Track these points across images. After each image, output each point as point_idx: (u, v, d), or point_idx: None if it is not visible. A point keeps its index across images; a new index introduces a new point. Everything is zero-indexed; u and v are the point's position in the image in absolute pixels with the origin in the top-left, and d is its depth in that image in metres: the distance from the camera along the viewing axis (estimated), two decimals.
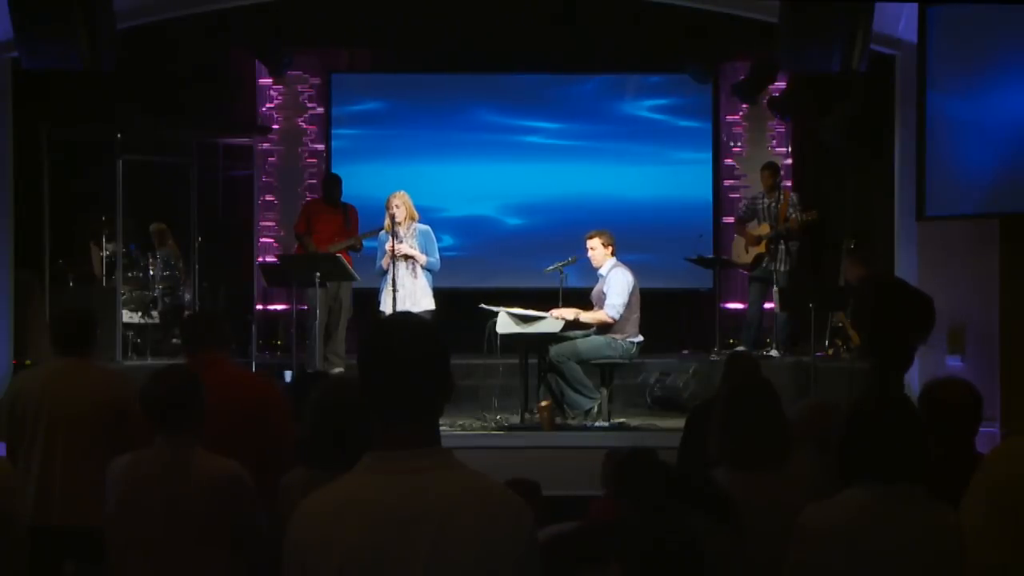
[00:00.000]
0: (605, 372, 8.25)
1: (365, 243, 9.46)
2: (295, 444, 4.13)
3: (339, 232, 9.48)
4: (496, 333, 8.29)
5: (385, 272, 8.61)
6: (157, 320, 10.30)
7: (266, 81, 11.69)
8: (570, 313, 8.25)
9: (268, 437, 4.06)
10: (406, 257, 8.52)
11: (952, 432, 3.64)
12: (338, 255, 8.91)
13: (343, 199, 9.76)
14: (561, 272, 8.62)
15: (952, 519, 2.96)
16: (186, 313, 10.00)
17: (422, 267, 8.60)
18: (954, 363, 7.72)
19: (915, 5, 7.49)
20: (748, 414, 3.58)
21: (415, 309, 8.27)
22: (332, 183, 9.86)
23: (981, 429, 3.82)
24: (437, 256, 8.67)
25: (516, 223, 11.56)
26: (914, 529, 2.89)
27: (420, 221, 8.75)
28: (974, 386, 3.78)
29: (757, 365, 5.56)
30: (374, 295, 8.89)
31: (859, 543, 2.87)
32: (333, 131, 11.68)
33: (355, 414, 3.20)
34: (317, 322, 9.09)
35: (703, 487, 3.23)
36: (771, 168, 10.37)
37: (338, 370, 9.10)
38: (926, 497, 2.94)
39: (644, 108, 11.60)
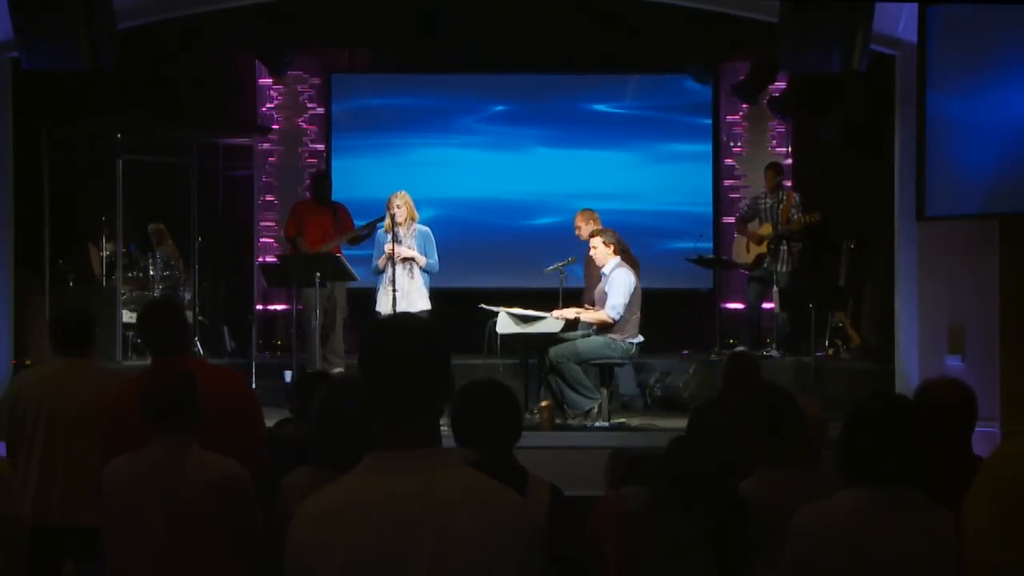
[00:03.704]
0: (605, 372, 8.25)
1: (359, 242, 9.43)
2: (267, 442, 4.14)
3: (329, 232, 9.45)
4: (496, 333, 8.30)
5: (381, 272, 8.60)
6: None
7: (266, 81, 11.68)
8: (571, 313, 8.26)
9: (245, 435, 4.04)
10: (405, 259, 8.51)
11: (947, 432, 3.64)
12: (339, 255, 8.90)
13: (336, 199, 9.73)
14: (561, 272, 8.62)
15: (949, 524, 2.95)
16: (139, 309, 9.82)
17: (421, 268, 8.59)
18: (954, 363, 7.72)
19: (915, 5, 7.48)
20: (772, 414, 3.65)
21: (411, 310, 8.26)
22: (321, 180, 9.84)
23: (981, 429, 3.82)
24: (436, 258, 8.65)
25: (516, 223, 11.54)
26: (909, 532, 2.88)
27: (420, 221, 8.75)
28: (968, 385, 3.78)
29: (758, 365, 5.56)
30: (369, 295, 8.88)
31: (853, 544, 2.87)
32: (333, 131, 11.68)
33: (358, 414, 3.19)
34: (317, 322, 9.08)
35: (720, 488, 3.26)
36: (775, 168, 10.38)
37: (338, 370, 9.08)
38: (923, 501, 2.93)
39: (644, 108, 11.60)
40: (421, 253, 8.59)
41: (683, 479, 3.27)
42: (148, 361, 4.26)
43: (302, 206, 9.90)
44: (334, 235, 9.40)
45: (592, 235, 8.39)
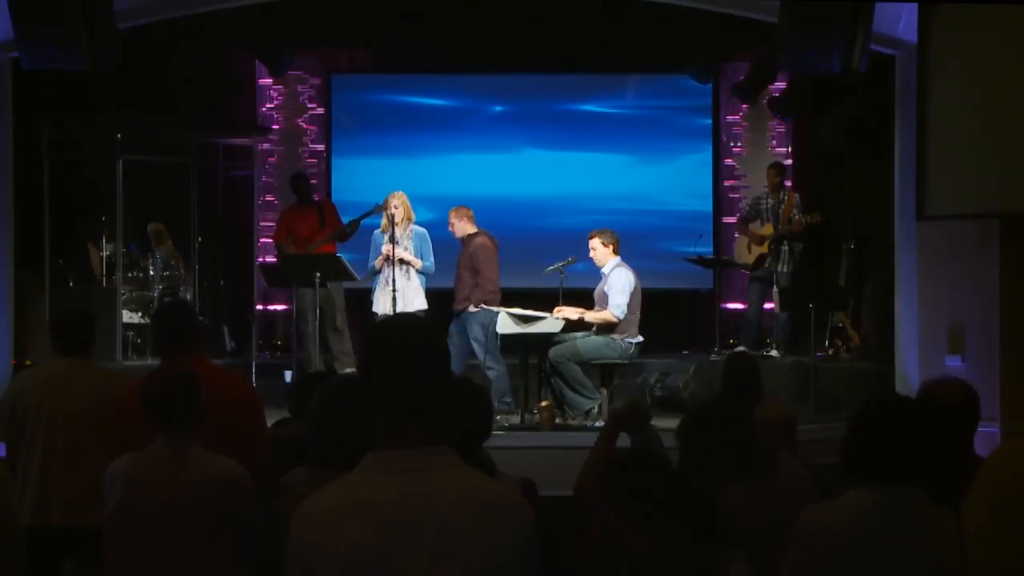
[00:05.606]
0: (605, 372, 8.25)
1: (359, 242, 9.39)
2: (268, 443, 4.14)
3: (316, 231, 9.44)
4: (496, 333, 8.30)
5: (378, 272, 8.60)
6: None
7: (266, 81, 11.69)
8: (574, 313, 8.26)
9: (248, 435, 4.04)
10: (401, 261, 8.50)
11: (949, 432, 3.64)
12: (340, 256, 8.89)
13: (336, 199, 9.72)
14: (561, 272, 8.62)
15: (952, 524, 2.95)
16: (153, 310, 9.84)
17: (417, 270, 8.59)
18: (954, 363, 7.71)
19: (915, 5, 7.49)
20: (709, 439, 3.65)
21: (408, 309, 8.27)
22: (299, 182, 9.81)
23: (981, 429, 3.82)
24: (432, 259, 8.66)
25: (516, 223, 11.52)
26: (914, 533, 2.88)
27: (417, 221, 8.75)
28: (971, 386, 3.78)
29: (756, 365, 5.54)
30: (364, 295, 8.87)
31: (858, 546, 2.87)
32: (333, 131, 11.68)
33: (357, 414, 3.19)
34: (318, 322, 9.07)
35: (691, 497, 3.24)
36: (777, 167, 10.39)
37: (349, 370, 9.05)
38: (927, 501, 2.93)
39: (644, 108, 11.60)
40: (417, 254, 8.59)
41: (640, 489, 3.27)
42: (148, 361, 4.27)
43: (288, 211, 9.86)
44: (323, 232, 9.38)
45: (591, 236, 8.40)
